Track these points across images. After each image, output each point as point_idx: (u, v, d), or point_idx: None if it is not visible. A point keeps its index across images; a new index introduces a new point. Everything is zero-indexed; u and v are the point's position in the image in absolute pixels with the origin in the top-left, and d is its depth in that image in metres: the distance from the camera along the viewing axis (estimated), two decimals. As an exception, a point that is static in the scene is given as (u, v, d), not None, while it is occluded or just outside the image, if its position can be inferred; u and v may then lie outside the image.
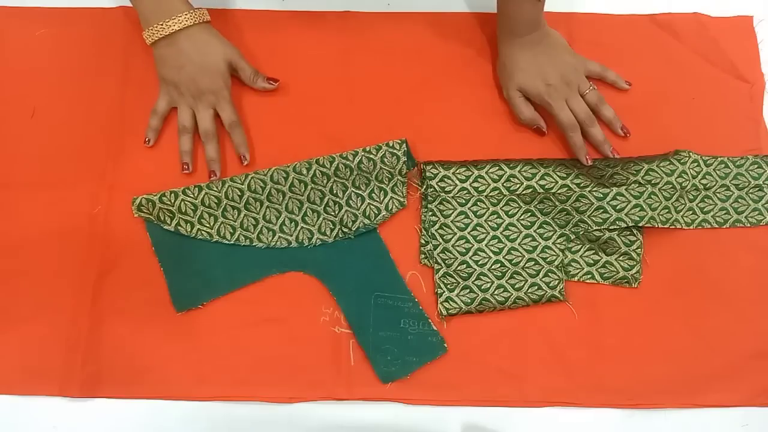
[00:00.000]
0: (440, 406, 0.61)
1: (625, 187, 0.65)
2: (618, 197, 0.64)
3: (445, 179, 0.66)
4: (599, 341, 0.63)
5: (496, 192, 0.66)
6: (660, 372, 0.62)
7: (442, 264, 0.64)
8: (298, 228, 0.65)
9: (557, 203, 0.65)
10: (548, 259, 0.64)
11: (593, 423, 0.61)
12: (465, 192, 0.66)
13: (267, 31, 0.73)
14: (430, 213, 0.65)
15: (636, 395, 0.61)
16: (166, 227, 0.64)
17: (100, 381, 0.61)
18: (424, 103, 0.70)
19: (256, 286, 0.64)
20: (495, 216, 0.66)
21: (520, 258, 0.64)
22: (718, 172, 0.68)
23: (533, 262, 0.64)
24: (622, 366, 0.62)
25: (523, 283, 0.64)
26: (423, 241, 0.65)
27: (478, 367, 0.62)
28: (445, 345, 0.62)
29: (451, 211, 0.65)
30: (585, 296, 0.64)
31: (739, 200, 0.67)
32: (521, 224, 0.65)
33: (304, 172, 0.66)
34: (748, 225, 0.67)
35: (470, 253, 0.64)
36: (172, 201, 0.65)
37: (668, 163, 0.66)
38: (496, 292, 0.63)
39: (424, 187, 0.66)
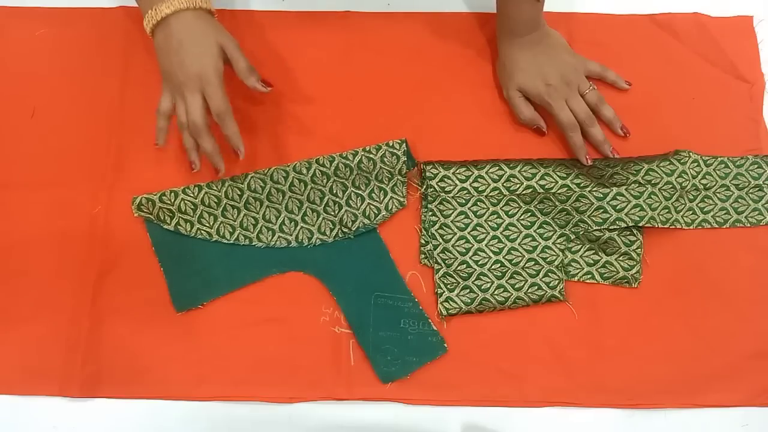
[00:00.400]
0: (440, 406, 0.61)
1: (625, 187, 0.65)
2: (618, 197, 0.64)
3: (445, 179, 0.66)
4: (599, 341, 0.63)
5: (496, 192, 0.66)
6: (660, 372, 0.62)
7: (442, 264, 0.64)
8: (298, 228, 0.65)
9: (557, 203, 0.65)
10: (548, 259, 0.64)
11: (593, 423, 0.61)
12: (465, 192, 0.66)
13: (267, 31, 0.73)
14: (430, 213, 0.65)
15: (636, 395, 0.61)
16: (165, 227, 0.64)
17: (100, 381, 0.61)
18: (424, 103, 0.70)
19: (256, 286, 0.64)
20: (495, 216, 0.66)
21: (520, 258, 0.64)
22: (718, 172, 0.68)
23: (533, 262, 0.64)
24: (622, 366, 0.62)
25: (523, 283, 0.64)
26: (423, 241, 0.65)
27: (478, 367, 0.62)
28: (445, 345, 0.62)
29: (451, 211, 0.65)
30: (585, 296, 0.64)
31: (739, 200, 0.67)
32: (521, 224, 0.65)
33: (304, 171, 0.66)
34: (748, 225, 0.67)
35: (470, 253, 0.64)
36: (172, 200, 0.65)
37: (668, 163, 0.66)
38: (496, 292, 0.63)
39: (424, 187, 0.66)
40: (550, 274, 0.64)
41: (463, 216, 0.65)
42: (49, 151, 0.68)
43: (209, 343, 0.62)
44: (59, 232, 0.65)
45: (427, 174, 0.66)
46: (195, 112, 0.60)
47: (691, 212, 0.66)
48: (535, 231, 0.65)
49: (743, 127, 0.70)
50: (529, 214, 0.66)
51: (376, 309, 0.63)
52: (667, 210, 0.65)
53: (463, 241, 0.65)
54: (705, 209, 0.67)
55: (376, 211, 0.65)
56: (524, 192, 0.66)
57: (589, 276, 0.64)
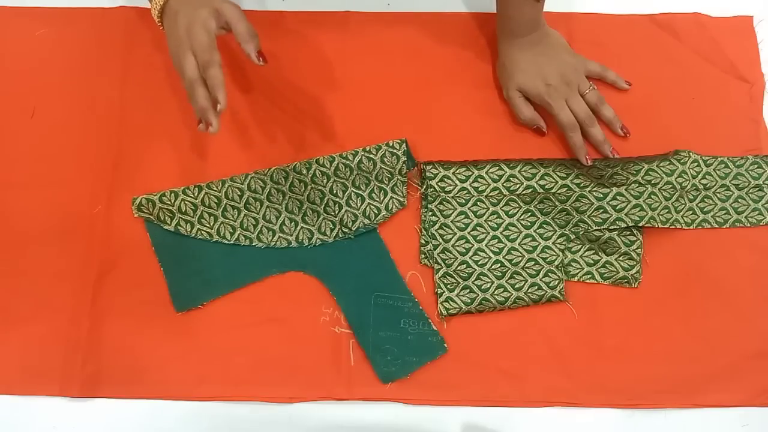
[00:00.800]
0: (440, 406, 0.61)
1: (625, 187, 0.65)
2: (618, 197, 0.64)
3: (445, 179, 0.66)
4: (599, 341, 0.63)
5: (496, 192, 0.66)
6: (660, 372, 0.62)
7: (442, 264, 0.64)
8: (298, 228, 0.65)
9: (557, 203, 0.65)
10: (548, 259, 0.64)
11: (593, 423, 0.61)
12: (465, 192, 0.66)
13: (267, 31, 0.73)
14: (430, 213, 0.65)
15: (636, 395, 0.61)
16: (166, 227, 0.64)
17: (100, 381, 0.61)
18: (424, 103, 0.70)
19: (256, 286, 0.64)
20: (495, 216, 0.66)
21: (520, 258, 0.64)
22: (718, 172, 0.68)
23: (533, 262, 0.64)
24: (622, 366, 0.62)
25: (523, 283, 0.63)
26: (423, 241, 0.65)
27: (478, 367, 0.62)
28: (445, 345, 0.62)
29: (451, 211, 0.65)
30: (585, 296, 0.64)
31: (739, 200, 0.67)
32: (521, 224, 0.65)
33: (304, 171, 0.66)
34: (748, 225, 0.67)
35: (470, 253, 0.64)
36: (172, 201, 0.65)
37: (668, 163, 0.66)
38: (496, 292, 0.63)
39: (424, 187, 0.66)
40: (550, 274, 0.64)
41: (463, 216, 0.65)
42: (49, 151, 0.68)
43: (209, 343, 0.62)
44: (59, 232, 0.65)
45: (427, 174, 0.66)
46: (186, 68, 0.56)
47: (691, 212, 0.66)
48: (535, 231, 0.65)
49: (743, 127, 0.70)
50: (529, 214, 0.66)
51: (376, 309, 0.63)
52: (667, 210, 0.65)
53: (463, 241, 0.65)
54: (705, 209, 0.67)
55: (376, 211, 0.65)
56: (524, 192, 0.66)
57: (589, 276, 0.64)
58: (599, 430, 0.61)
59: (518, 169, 0.66)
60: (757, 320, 0.63)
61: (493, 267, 0.64)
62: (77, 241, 0.65)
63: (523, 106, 0.68)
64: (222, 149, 0.68)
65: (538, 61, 0.67)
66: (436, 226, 0.65)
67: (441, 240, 0.65)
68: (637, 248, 0.64)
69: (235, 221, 0.65)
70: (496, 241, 0.65)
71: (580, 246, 0.65)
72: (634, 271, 0.64)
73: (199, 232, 0.65)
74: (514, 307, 0.63)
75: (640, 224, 0.64)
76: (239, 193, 0.65)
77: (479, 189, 0.66)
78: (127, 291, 0.63)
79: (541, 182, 0.66)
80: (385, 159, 0.66)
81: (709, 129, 0.70)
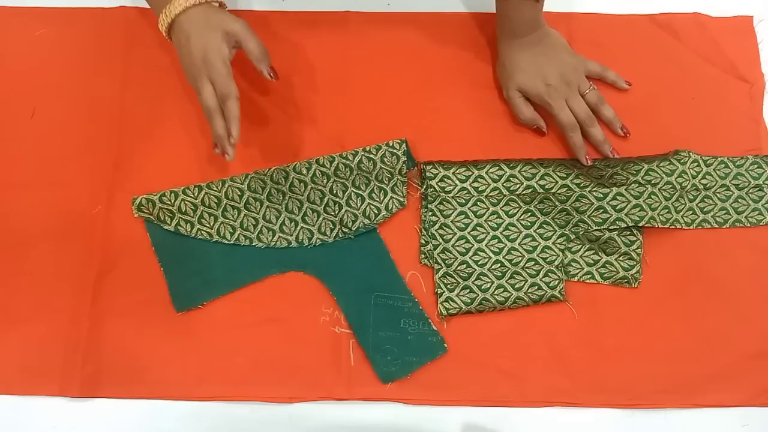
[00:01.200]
0: (440, 406, 0.61)
1: (625, 187, 0.65)
2: (618, 197, 0.64)
3: (445, 179, 0.66)
4: (599, 341, 0.63)
5: (496, 192, 0.66)
6: (660, 372, 0.62)
7: (442, 264, 0.64)
8: (298, 228, 0.65)
9: (557, 203, 0.65)
10: (548, 259, 0.64)
11: (593, 423, 0.61)
12: (465, 192, 0.66)
13: (267, 31, 0.73)
14: (430, 213, 0.65)
15: (636, 395, 0.61)
16: (166, 227, 0.64)
17: (100, 381, 0.61)
18: (424, 103, 0.70)
19: (256, 286, 0.64)
20: (495, 216, 0.66)
21: (520, 258, 0.64)
22: (718, 172, 0.68)
23: (533, 262, 0.64)
24: (622, 366, 0.62)
25: (523, 283, 0.64)
26: (423, 241, 0.65)
27: (478, 367, 0.62)
28: (445, 345, 0.62)
29: (451, 211, 0.65)
30: (585, 296, 0.64)
31: (739, 200, 0.67)
32: (521, 224, 0.65)
33: (304, 171, 0.66)
34: (748, 225, 0.67)
35: (470, 253, 0.64)
36: (172, 201, 0.65)
37: (668, 163, 0.66)
38: (496, 292, 0.63)
39: (424, 187, 0.66)
40: (550, 274, 0.64)
41: (463, 216, 0.65)
42: (49, 151, 0.68)
43: (209, 343, 0.62)
44: (59, 232, 0.65)
45: (427, 174, 0.66)
46: (205, 97, 0.59)
47: (691, 212, 0.66)
48: (535, 231, 0.65)
49: (743, 127, 0.70)
50: (529, 214, 0.66)
51: (376, 309, 0.63)
52: (667, 210, 0.65)
53: (463, 241, 0.65)
54: (705, 209, 0.67)
55: (376, 211, 0.65)
56: (524, 192, 0.66)
57: (589, 276, 0.64)
58: (599, 430, 0.61)
59: (518, 169, 0.66)
60: (757, 320, 0.63)
61: (493, 267, 0.64)
62: (77, 241, 0.65)
63: (523, 106, 0.68)
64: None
65: (538, 61, 0.67)
66: (436, 226, 0.65)
67: (441, 240, 0.65)
68: (637, 248, 0.64)
69: (235, 221, 0.65)
70: (496, 241, 0.65)
71: (580, 246, 0.65)
72: (634, 271, 0.64)
73: (199, 232, 0.65)
74: (514, 307, 0.63)
75: (640, 224, 0.64)
76: (239, 193, 0.65)
77: (479, 189, 0.66)
78: (127, 291, 0.63)
79: (541, 182, 0.66)
80: (385, 159, 0.66)
81: (709, 129, 0.70)
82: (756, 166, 0.68)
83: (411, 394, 0.61)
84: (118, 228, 0.65)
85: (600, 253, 0.65)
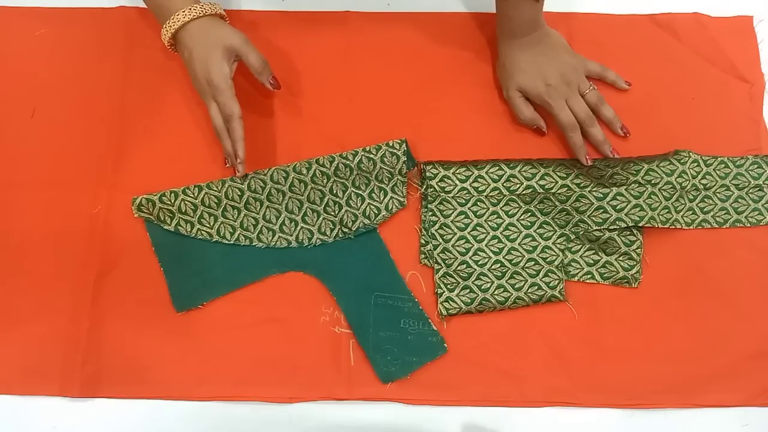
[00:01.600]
0: (440, 406, 0.61)
1: (625, 187, 0.65)
2: (618, 197, 0.64)
3: (445, 179, 0.66)
4: (599, 341, 0.63)
5: (496, 192, 0.66)
6: (660, 372, 0.62)
7: (442, 264, 0.64)
8: (298, 228, 0.65)
9: (557, 203, 0.65)
10: (548, 259, 0.64)
11: (593, 423, 0.61)
12: (465, 192, 0.66)
13: (267, 31, 0.73)
14: (430, 213, 0.65)
15: (636, 395, 0.61)
16: (166, 227, 0.64)
17: (100, 381, 0.61)
18: (424, 103, 0.70)
19: (256, 286, 0.64)
20: (495, 216, 0.66)
21: (520, 258, 0.64)
22: (718, 172, 0.68)
23: (533, 262, 0.64)
24: (622, 366, 0.62)
25: (523, 283, 0.64)
26: (423, 241, 0.65)
27: (478, 367, 0.62)
28: (445, 345, 0.62)
29: (451, 211, 0.65)
30: (585, 296, 0.64)
31: (739, 200, 0.67)
32: (521, 224, 0.65)
33: (304, 171, 0.66)
34: (748, 225, 0.67)
35: (470, 253, 0.64)
36: (172, 201, 0.65)
37: (668, 163, 0.66)
38: (496, 292, 0.63)
39: (424, 187, 0.66)
40: (550, 274, 0.64)
41: (463, 216, 0.65)
42: (49, 151, 0.68)
43: (209, 343, 0.62)
44: (59, 232, 0.65)
45: (427, 174, 0.66)
46: (212, 115, 0.62)
47: (691, 212, 0.66)
48: (535, 231, 0.65)
49: (743, 127, 0.70)
50: (529, 214, 0.66)
51: (376, 309, 0.63)
52: (667, 210, 0.65)
53: (463, 241, 0.65)
54: (705, 209, 0.67)
55: (376, 211, 0.65)
56: (524, 192, 0.66)
57: (589, 276, 0.64)
58: (599, 430, 0.61)
59: (518, 169, 0.66)
60: (757, 320, 0.63)
61: (493, 267, 0.64)
62: (77, 241, 0.65)
63: (523, 106, 0.68)
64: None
65: (538, 61, 0.67)
66: (436, 226, 0.65)
67: (441, 240, 0.65)
68: (637, 248, 0.64)
69: (235, 221, 0.65)
70: (496, 241, 0.65)
71: (580, 246, 0.65)
72: (634, 271, 0.64)
73: (199, 232, 0.65)
74: (514, 307, 0.63)
75: (640, 224, 0.64)
76: (239, 193, 0.65)
77: (479, 189, 0.66)
78: (127, 291, 0.63)
79: (541, 182, 0.66)
80: (385, 159, 0.66)
81: (709, 129, 0.70)
82: (756, 166, 0.68)
83: (411, 394, 0.61)
84: (118, 228, 0.65)
85: (600, 253, 0.65)
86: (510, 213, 0.66)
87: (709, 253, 0.66)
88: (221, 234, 0.65)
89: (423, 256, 0.65)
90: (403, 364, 0.61)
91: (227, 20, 0.65)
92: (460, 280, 0.63)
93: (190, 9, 0.62)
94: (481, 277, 0.64)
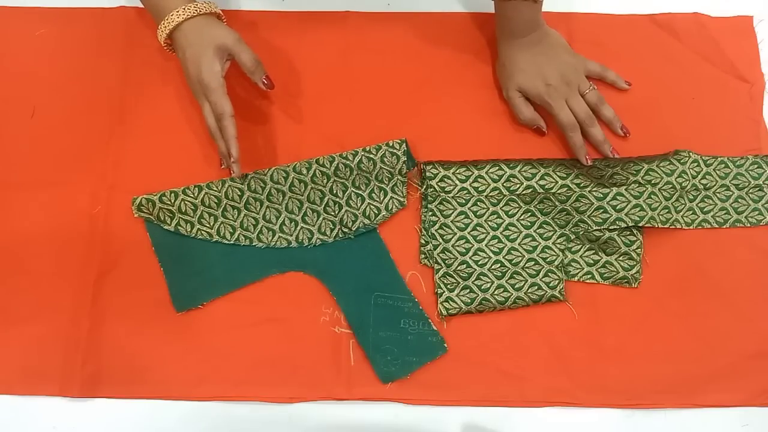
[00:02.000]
0: (440, 406, 0.61)
1: (625, 187, 0.65)
2: (618, 197, 0.64)
3: (445, 179, 0.66)
4: (599, 341, 0.63)
5: (496, 192, 0.66)
6: (660, 372, 0.62)
7: (442, 264, 0.64)
8: (298, 228, 0.65)
9: (557, 203, 0.65)
10: (548, 259, 0.64)
11: (593, 423, 0.61)
12: (465, 192, 0.66)
13: (267, 31, 0.73)
14: (430, 213, 0.65)
15: (636, 395, 0.61)
16: (166, 227, 0.64)
17: (100, 381, 0.61)
18: (424, 103, 0.70)
19: (256, 286, 0.64)
20: (495, 216, 0.66)
21: (520, 258, 0.64)
22: (718, 172, 0.68)
23: (533, 262, 0.64)
24: (622, 366, 0.62)
25: (523, 283, 0.64)
26: (423, 241, 0.65)
27: (478, 367, 0.62)
28: (445, 345, 0.62)
29: (451, 211, 0.65)
30: (585, 296, 0.64)
31: (739, 200, 0.67)
32: (521, 224, 0.65)
33: (304, 171, 0.66)
34: (748, 225, 0.67)
35: (470, 253, 0.64)
36: (172, 201, 0.65)
37: (668, 163, 0.66)
38: (496, 292, 0.63)
39: (424, 187, 0.66)
40: (550, 274, 0.64)
41: (463, 216, 0.65)
42: (49, 150, 0.68)
43: (209, 343, 0.62)
44: (59, 232, 0.65)
45: (427, 174, 0.66)
46: (205, 115, 0.62)
47: (691, 212, 0.66)
48: (535, 231, 0.65)
49: (743, 127, 0.70)
50: (529, 214, 0.66)
51: (376, 309, 0.63)
52: (667, 210, 0.65)
53: (463, 241, 0.65)
54: (705, 209, 0.67)
55: (376, 211, 0.65)
56: (524, 192, 0.66)
57: (589, 276, 0.64)
58: (599, 430, 0.61)
59: (518, 169, 0.66)
60: (757, 320, 0.63)
61: (493, 267, 0.64)
62: (77, 241, 0.65)
63: (523, 106, 0.68)
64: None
65: (537, 61, 0.67)
66: (436, 226, 0.65)
67: (441, 240, 0.65)
68: (637, 248, 0.64)
69: (235, 221, 0.65)
70: (496, 241, 0.65)
71: (580, 246, 0.65)
72: (634, 271, 0.64)
73: (199, 232, 0.65)
74: (514, 307, 0.63)
75: (640, 224, 0.64)
76: (239, 193, 0.65)
77: (479, 189, 0.66)
78: (127, 291, 0.63)
79: (541, 182, 0.66)
80: (385, 159, 0.66)
81: (709, 129, 0.70)
82: (756, 166, 0.68)
83: (411, 394, 0.61)
84: (118, 228, 0.65)
85: (600, 253, 0.65)
86: (510, 213, 0.66)
87: (709, 253, 0.66)
88: (221, 234, 0.65)
89: (423, 256, 0.65)
90: (403, 364, 0.61)
91: (224, 19, 0.65)
92: (460, 280, 0.63)
93: (184, 8, 0.61)
94: (481, 277, 0.64)
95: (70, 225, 0.65)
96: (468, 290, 0.63)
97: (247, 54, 0.62)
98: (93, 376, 0.61)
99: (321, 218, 0.65)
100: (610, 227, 0.64)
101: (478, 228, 0.65)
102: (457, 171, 0.66)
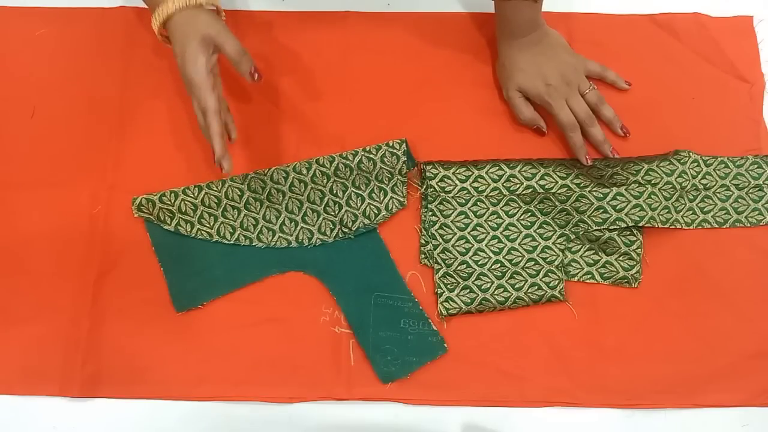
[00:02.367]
0: (440, 406, 0.61)
1: (625, 187, 0.65)
2: (618, 197, 0.64)
3: (445, 179, 0.66)
4: (599, 341, 0.63)
5: (496, 192, 0.66)
6: (660, 372, 0.62)
7: (442, 264, 0.64)
8: (298, 228, 0.65)
9: (557, 203, 0.65)
10: (548, 259, 0.64)
11: (593, 423, 0.61)
12: (465, 192, 0.66)
13: (267, 31, 0.73)
14: (430, 213, 0.65)
15: (636, 395, 0.61)
16: (166, 227, 0.64)
17: (100, 381, 0.61)
18: (424, 103, 0.70)
19: (256, 286, 0.64)
20: (495, 216, 0.66)
21: (520, 258, 0.64)
22: (718, 172, 0.68)
23: (533, 262, 0.64)
24: (622, 366, 0.62)
25: (523, 283, 0.64)
26: (423, 241, 0.65)
27: (478, 367, 0.62)
28: (445, 345, 0.62)
29: (451, 211, 0.65)
30: (585, 296, 0.64)
31: (739, 200, 0.67)
32: (521, 224, 0.65)
33: (304, 172, 0.66)
34: (748, 225, 0.67)
35: (470, 253, 0.64)
36: (172, 201, 0.65)
37: (668, 163, 0.66)
38: (496, 292, 0.63)
39: (424, 187, 0.66)
40: (550, 274, 0.64)
41: (463, 216, 0.65)
42: (49, 151, 0.68)
43: (209, 343, 0.62)
44: (59, 232, 0.65)
45: (427, 174, 0.66)
46: (196, 113, 0.59)
47: (691, 212, 0.66)
48: (535, 231, 0.65)
49: (743, 127, 0.70)
50: (529, 214, 0.66)
51: (376, 309, 0.63)
52: (667, 210, 0.65)
53: (463, 241, 0.65)
54: (705, 209, 0.67)
55: (376, 211, 0.65)
56: (524, 192, 0.66)
57: (589, 276, 0.64)
58: (599, 430, 0.61)
59: (518, 169, 0.66)
60: (757, 320, 0.63)
61: (493, 267, 0.64)
62: (77, 241, 0.65)
63: (523, 106, 0.68)
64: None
65: (537, 61, 0.67)
66: (436, 226, 0.65)
67: (441, 240, 0.65)
68: (637, 248, 0.64)
69: (235, 221, 0.65)
70: (496, 241, 0.65)
71: (580, 246, 0.65)
72: (634, 271, 0.64)
73: (199, 232, 0.65)
74: (514, 307, 0.63)
75: (640, 224, 0.64)
76: (239, 193, 0.65)
77: (479, 189, 0.66)
78: (127, 291, 0.63)
79: (541, 182, 0.66)
80: (385, 159, 0.66)
81: (709, 129, 0.70)
82: (756, 166, 0.68)
83: (411, 394, 0.61)
84: (118, 228, 0.65)
85: (600, 253, 0.65)
86: (510, 213, 0.66)
87: (709, 253, 0.66)
88: (221, 234, 0.65)
89: (423, 256, 0.65)
90: (403, 364, 0.61)
91: (222, 12, 0.63)
92: (460, 280, 0.63)
93: (173, 1, 0.58)
94: (481, 277, 0.64)
95: (70, 225, 0.65)
96: (468, 290, 0.63)
97: (232, 44, 0.58)
98: (93, 376, 0.61)
99: (321, 218, 0.65)
100: (610, 227, 0.64)
101: (478, 228, 0.65)
102: (457, 171, 0.66)
